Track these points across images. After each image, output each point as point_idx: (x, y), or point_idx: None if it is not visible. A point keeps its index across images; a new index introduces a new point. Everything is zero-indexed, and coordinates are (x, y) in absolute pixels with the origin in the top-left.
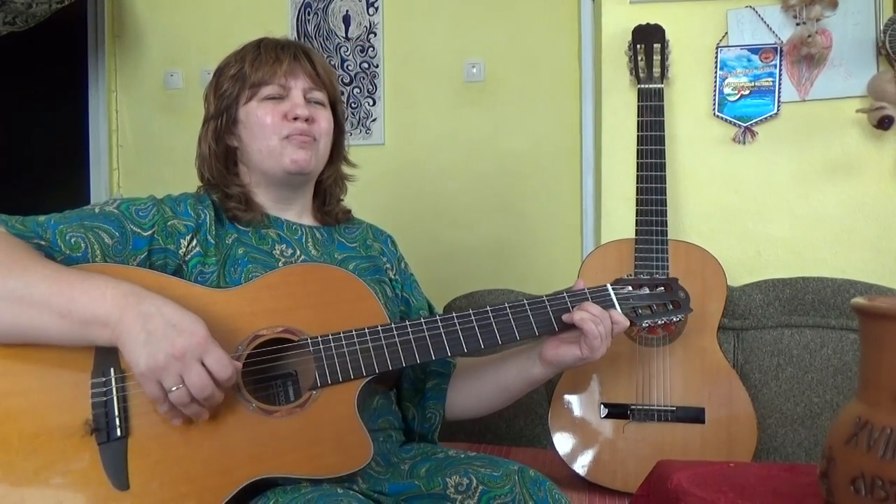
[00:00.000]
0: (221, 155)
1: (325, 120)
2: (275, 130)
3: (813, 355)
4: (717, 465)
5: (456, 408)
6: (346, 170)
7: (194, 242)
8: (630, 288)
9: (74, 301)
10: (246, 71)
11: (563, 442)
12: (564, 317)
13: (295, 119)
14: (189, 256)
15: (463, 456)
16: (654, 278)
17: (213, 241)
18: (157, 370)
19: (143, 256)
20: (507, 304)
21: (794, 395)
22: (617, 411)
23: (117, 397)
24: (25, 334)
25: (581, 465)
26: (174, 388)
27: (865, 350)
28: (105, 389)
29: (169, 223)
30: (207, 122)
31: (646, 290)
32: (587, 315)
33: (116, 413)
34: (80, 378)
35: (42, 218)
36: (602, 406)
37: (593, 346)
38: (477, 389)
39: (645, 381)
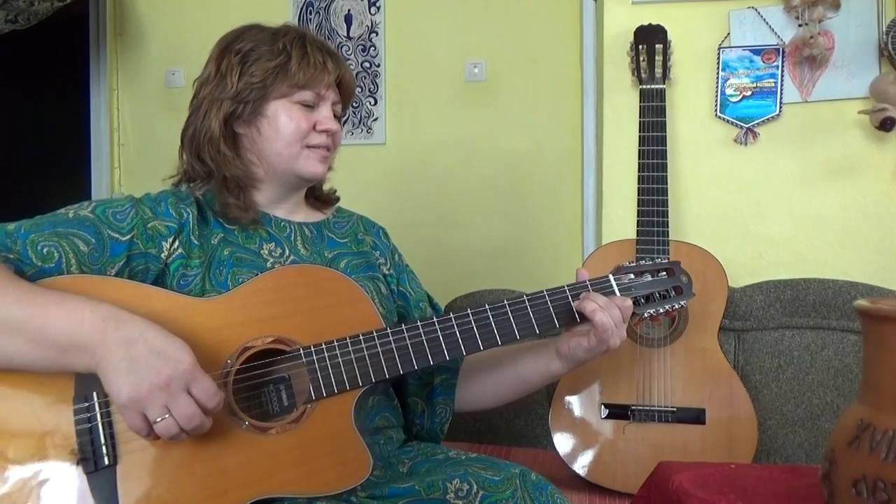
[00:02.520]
0: (229, 139)
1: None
2: (300, 137)
3: (814, 357)
4: (718, 466)
5: (471, 399)
6: None
7: (177, 244)
8: (632, 276)
9: (49, 326)
10: (292, 69)
11: (563, 442)
12: (575, 304)
13: (323, 132)
14: (171, 259)
15: (464, 457)
16: (657, 263)
17: (196, 241)
18: (141, 401)
19: (121, 263)
20: (506, 302)
21: (795, 396)
22: (617, 412)
23: (102, 423)
24: None
25: (581, 466)
26: (159, 420)
27: (868, 352)
28: (89, 416)
29: (149, 225)
30: (220, 100)
31: (648, 277)
32: (596, 306)
33: (103, 441)
34: (61, 404)
35: (11, 226)
36: (602, 406)
37: (603, 337)
38: (494, 381)
39: (645, 381)
